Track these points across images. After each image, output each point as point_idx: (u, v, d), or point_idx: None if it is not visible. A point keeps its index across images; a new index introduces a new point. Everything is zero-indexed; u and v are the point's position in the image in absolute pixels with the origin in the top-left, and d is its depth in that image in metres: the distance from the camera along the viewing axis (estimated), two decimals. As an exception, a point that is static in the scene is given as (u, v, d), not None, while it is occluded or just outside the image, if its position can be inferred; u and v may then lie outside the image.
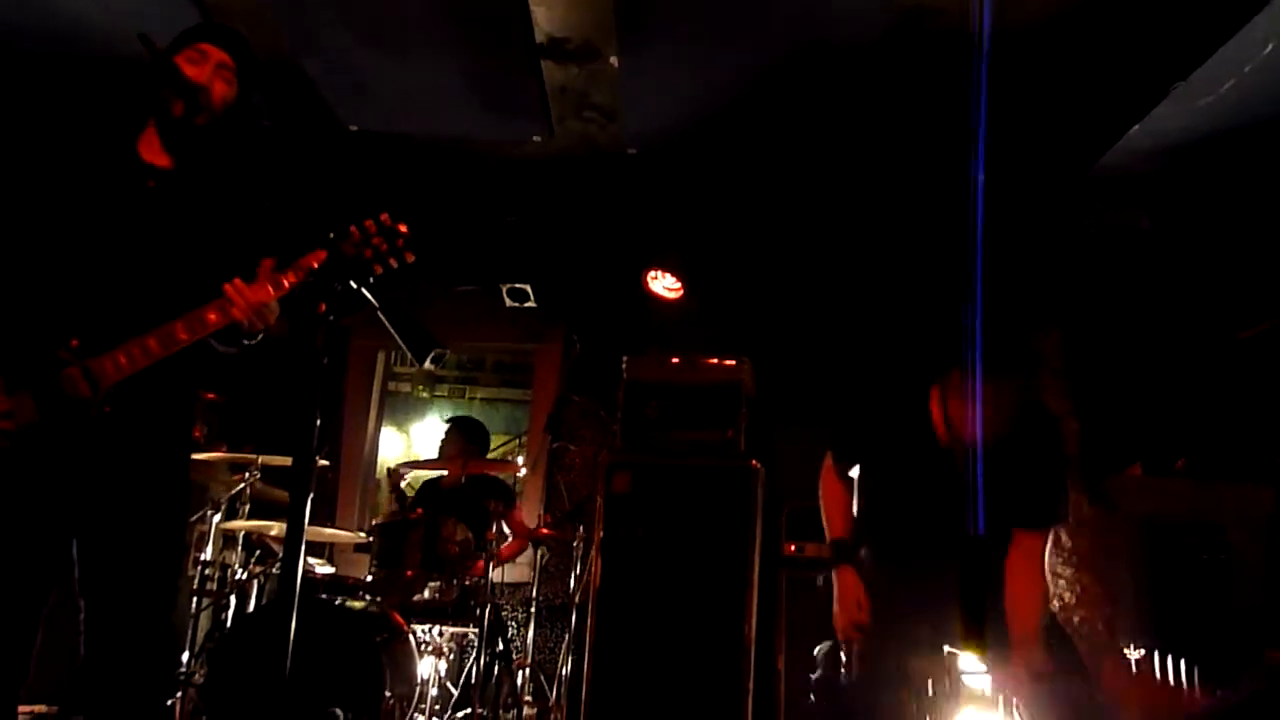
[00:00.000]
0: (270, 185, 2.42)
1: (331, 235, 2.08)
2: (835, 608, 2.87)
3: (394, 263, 2.15)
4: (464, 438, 5.02)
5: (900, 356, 3.26)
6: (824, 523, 3.08)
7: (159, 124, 2.27)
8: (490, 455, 5.32)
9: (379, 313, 1.96)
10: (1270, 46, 3.30)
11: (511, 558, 4.93)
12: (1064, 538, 4.44)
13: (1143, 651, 4.64)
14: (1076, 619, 4.33)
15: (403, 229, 2.14)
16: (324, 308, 1.80)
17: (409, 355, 2.23)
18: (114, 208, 2.20)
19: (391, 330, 2.07)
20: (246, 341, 2.26)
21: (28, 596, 2.10)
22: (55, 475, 2.11)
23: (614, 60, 3.82)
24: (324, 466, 5.39)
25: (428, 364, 2.03)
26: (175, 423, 2.30)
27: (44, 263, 2.18)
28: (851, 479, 3.08)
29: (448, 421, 5.23)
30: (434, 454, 5.30)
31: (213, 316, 2.12)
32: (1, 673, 2.08)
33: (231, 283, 2.12)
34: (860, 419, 3.13)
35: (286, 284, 2.15)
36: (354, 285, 1.86)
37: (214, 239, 2.28)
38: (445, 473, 5.09)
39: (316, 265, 2.13)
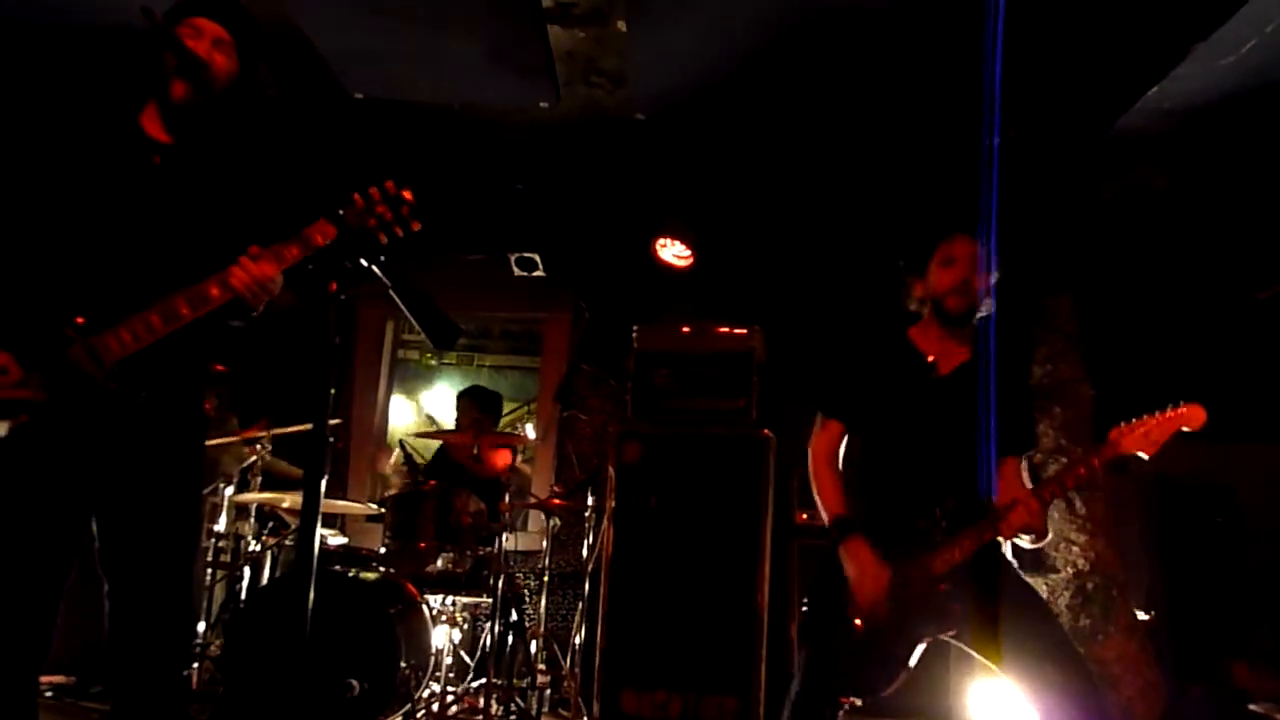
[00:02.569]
0: (276, 157, 2.38)
1: (341, 213, 2.04)
2: (854, 584, 2.63)
3: (399, 231, 2.10)
4: (477, 408, 5.00)
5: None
6: (820, 504, 2.87)
7: (160, 100, 2.23)
8: (500, 422, 5.30)
9: (395, 298, 1.92)
10: (1293, 5, 3.23)
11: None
12: (1078, 504, 4.42)
13: (1154, 614, 4.65)
14: (1090, 585, 4.32)
15: (407, 195, 2.08)
16: (335, 286, 1.77)
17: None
18: (119, 184, 2.17)
19: (409, 316, 2.04)
20: (253, 314, 2.24)
21: (48, 573, 2.11)
22: (70, 452, 2.11)
23: (621, 24, 3.75)
24: (335, 439, 5.39)
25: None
26: (188, 398, 2.29)
27: (50, 240, 2.16)
28: (838, 454, 2.92)
29: (460, 393, 5.21)
30: (443, 421, 5.29)
31: (214, 291, 2.09)
32: (24, 648, 2.10)
33: (247, 254, 2.10)
34: (842, 369, 3.00)
35: (290, 256, 2.12)
36: (365, 263, 1.83)
37: (218, 214, 2.25)
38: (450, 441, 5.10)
39: (324, 242, 2.10)
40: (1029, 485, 2.77)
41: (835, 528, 2.76)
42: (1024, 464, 2.87)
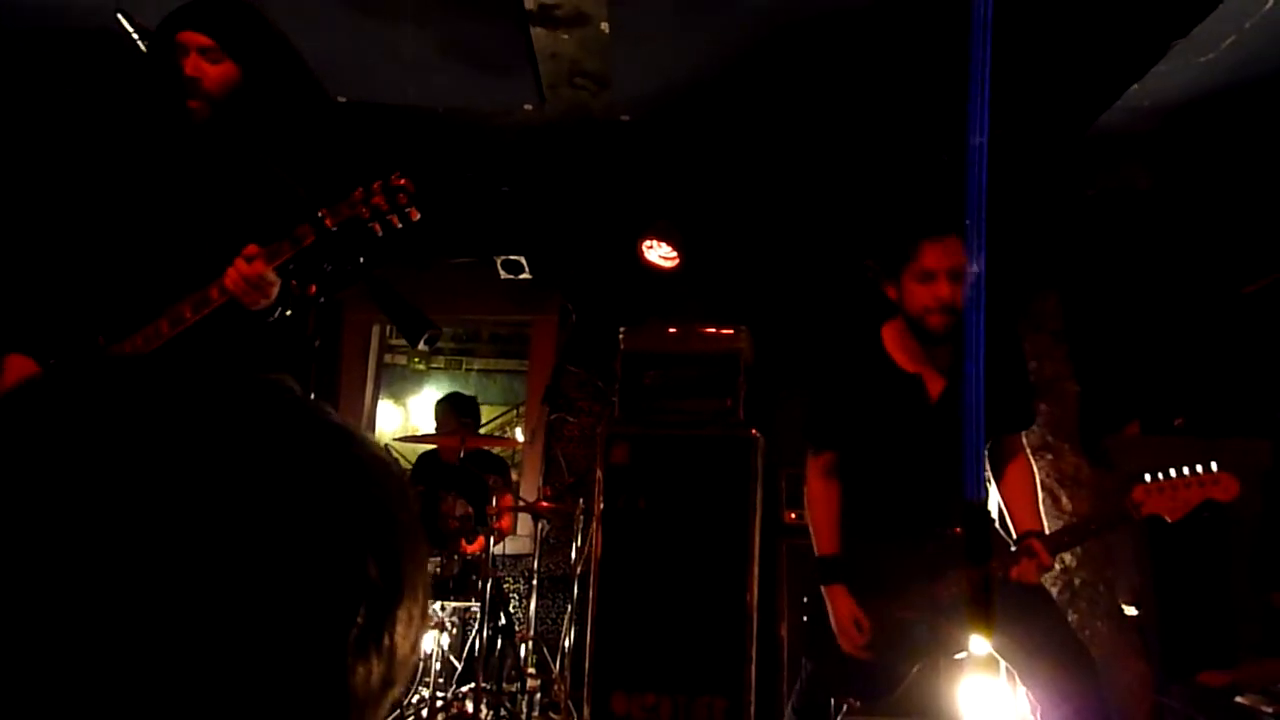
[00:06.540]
0: (277, 158, 2.38)
1: (321, 213, 2.04)
2: (836, 629, 2.66)
3: (396, 221, 2.10)
4: (455, 414, 5.00)
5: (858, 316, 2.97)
6: (811, 534, 2.82)
7: (168, 119, 2.24)
8: (487, 426, 5.29)
9: (370, 295, 1.92)
10: (1271, 2, 3.24)
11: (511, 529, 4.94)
12: (1064, 500, 4.44)
13: (1142, 609, 4.67)
14: (1078, 581, 4.34)
15: (403, 183, 2.09)
16: (314, 290, 1.77)
17: (404, 332, 2.20)
18: (152, 201, 2.24)
19: (384, 313, 2.04)
20: (269, 315, 2.25)
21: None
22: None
23: (605, 26, 3.75)
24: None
25: (421, 345, 1.99)
26: None
27: (82, 253, 2.23)
28: (835, 479, 2.84)
29: (439, 401, 5.21)
30: (430, 427, 5.28)
31: (214, 293, 2.14)
32: None
33: (243, 255, 2.12)
34: (829, 400, 2.87)
35: (283, 253, 2.12)
36: (344, 265, 1.83)
37: (231, 221, 2.27)
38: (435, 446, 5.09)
39: (308, 242, 2.10)
40: (1043, 517, 2.70)
41: (822, 566, 2.76)
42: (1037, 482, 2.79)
